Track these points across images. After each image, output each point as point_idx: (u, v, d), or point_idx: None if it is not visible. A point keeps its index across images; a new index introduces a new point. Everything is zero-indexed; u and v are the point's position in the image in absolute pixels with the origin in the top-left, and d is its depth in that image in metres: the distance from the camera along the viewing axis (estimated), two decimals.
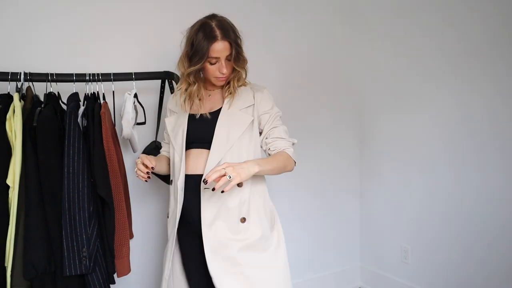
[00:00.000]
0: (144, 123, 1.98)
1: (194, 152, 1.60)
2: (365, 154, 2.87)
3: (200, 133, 1.60)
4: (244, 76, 1.64)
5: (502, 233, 2.12)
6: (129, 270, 1.89)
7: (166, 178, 2.06)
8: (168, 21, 2.22)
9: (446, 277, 2.39)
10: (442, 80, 2.34)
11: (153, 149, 2.06)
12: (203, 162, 1.56)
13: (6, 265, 1.58)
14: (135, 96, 1.90)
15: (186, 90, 1.62)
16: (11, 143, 1.61)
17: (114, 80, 1.87)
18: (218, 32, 1.50)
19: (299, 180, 2.65)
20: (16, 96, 1.64)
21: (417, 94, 2.48)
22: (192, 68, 1.54)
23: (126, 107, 1.86)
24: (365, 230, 2.90)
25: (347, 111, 2.85)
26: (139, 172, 1.53)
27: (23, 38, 1.90)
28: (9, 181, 1.59)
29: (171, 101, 1.76)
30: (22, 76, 1.71)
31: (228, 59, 1.55)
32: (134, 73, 1.92)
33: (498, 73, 2.09)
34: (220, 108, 1.61)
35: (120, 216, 1.81)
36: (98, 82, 1.84)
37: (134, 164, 2.15)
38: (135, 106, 1.92)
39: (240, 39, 1.58)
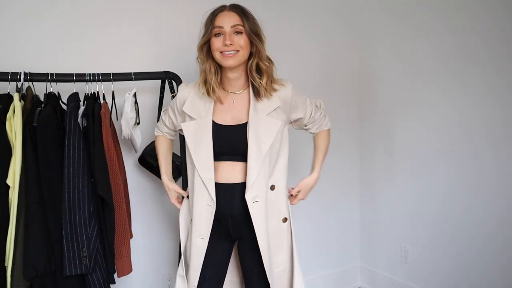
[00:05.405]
0: (138, 123, 1.97)
1: (226, 164, 1.55)
2: (365, 155, 2.87)
3: (229, 144, 1.53)
4: (264, 55, 1.54)
5: (498, 231, 2.14)
6: (130, 270, 1.89)
7: None
8: (169, 21, 2.22)
9: (446, 277, 2.39)
10: (440, 84, 2.35)
11: (153, 149, 2.05)
12: (237, 172, 1.54)
13: (6, 265, 1.58)
14: (134, 96, 1.90)
15: (204, 78, 1.55)
16: (11, 143, 1.61)
17: (114, 80, 1.87)
18: (225, 6, 1.52)
19: (299, 181, 2.65)
20: (16, 96, 1.64)
21: (415, 98, 2.49)
22: (201, 42, 1.53)
23: (125, 107, 1.86)
24: (365, 230, 2.90)
25: (347, 114, 2.85)
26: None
27: (23, 38, 1.90)
28: (9, 181, 1.59)
29: (187, 104, 1.59)
30: (22, 76, 1.71)
31: (237, 31, 1.48)
32: (134, 73, 1.91)
33: (493, 77, 2.12)
34: (246, 116, 1.54)
35: (120, 216, 1.81)
36: (98, 82, 1.84)
37: (135, 164, 2.15)
38: (135, 106, 1.92)
39: (255, 21, 1.53)
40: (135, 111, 1.92)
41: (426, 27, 2.40)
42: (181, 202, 1.72)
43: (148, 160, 2.02)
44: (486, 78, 2.14)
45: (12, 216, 1.57)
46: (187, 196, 1.67)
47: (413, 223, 2.55)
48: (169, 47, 2.22)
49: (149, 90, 2.15)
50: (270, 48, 2.50)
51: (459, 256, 2.32)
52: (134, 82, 1.92)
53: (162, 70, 2.01)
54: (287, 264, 1.65)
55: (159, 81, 2.05)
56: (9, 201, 1.60)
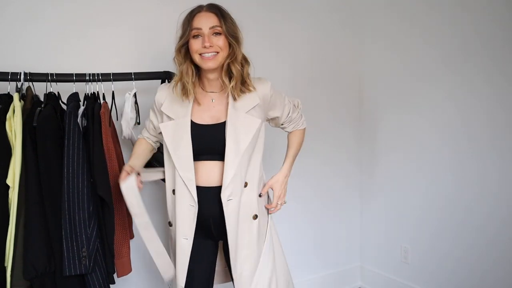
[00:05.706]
0: (138, 123, 1.97)
1: (205, 164, 1.54)
2: (365, 155, 2.87)
3: (208, 143, 1.53)
4: (239, 57, 1.51)
5: (500, 232, 2.13)
6: (129, 270, 1.89)
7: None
8: (168, 21, 2.21)
9: (446, 277, 2.39)
10: (441, 81, 2.35)
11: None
12: (216, 174, 1.53)
13: (6, 265, 1.58)
14: (135, 96, 1.90)
15: (180, 80, 1.54)
16: (11, 143, 1.61)
17: (114, 80, 1.87)
18: (202, 6, 1.50)
19: (299, 181, 2.65)
20: (16, 96, 1.64)
21: (416, 95, 2.49)
22: (178, 44, 1.50)
23: (125, 107, 1.86)
24: (365, 230, 2.90)
25: (347, 112, 2.85)
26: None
27: (23, 38, 1.90)
28: (9, 181, 1.59)
29: (165, 105, 1.59)
30: (22, 76, 1.71)
31: (216, 32, 1.47)
32: (134, 73, 1.92)
33: (495, 75, 2.11)
34: (225, 114, 1.53)
35: (119, 216, 1.82)
36: (98, 82, 1.84)
37: None
38: (135, 106, 1.92)
39: (233, 21, 1.50)
40: (135, 111, 1.92)
41: (426, 25, 2.40)
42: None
43: (149, 160, 2.02)
44: (488, 76, 2.13)
45: (12, 216, 1.57)
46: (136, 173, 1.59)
47: (414, 223, 2.55)
48: (169, 47, 2.21)
49: (149, 90, 2.14)
50: (270, 46, 2.54)
51: (460, 257, 2.32)
52: (134, 82, 1.92)
53: (162, 70, 2.01)
54: (253, 264, 1.59)
55: (159, 81, 2.04)
56: (9, 201, 1.60)
